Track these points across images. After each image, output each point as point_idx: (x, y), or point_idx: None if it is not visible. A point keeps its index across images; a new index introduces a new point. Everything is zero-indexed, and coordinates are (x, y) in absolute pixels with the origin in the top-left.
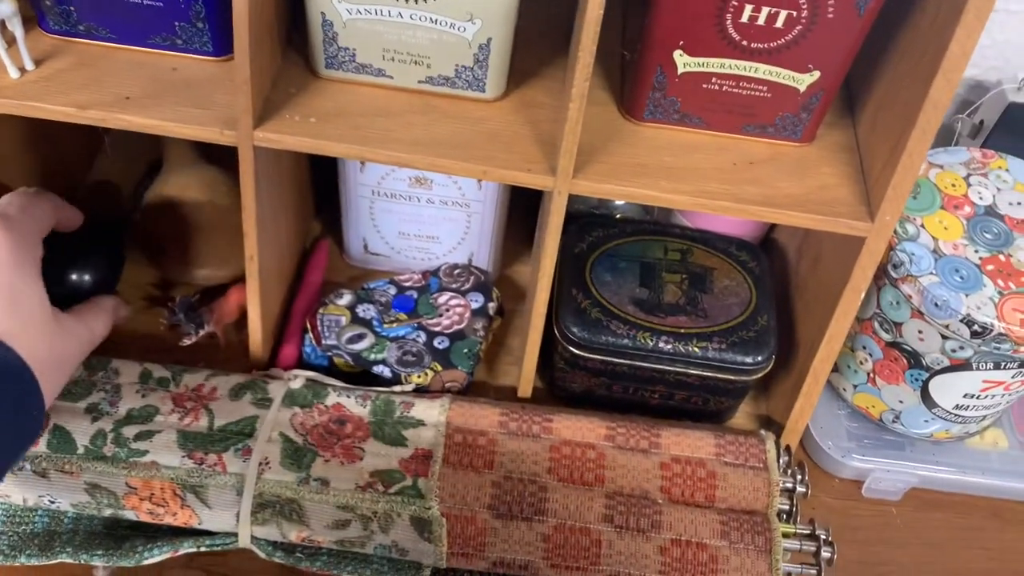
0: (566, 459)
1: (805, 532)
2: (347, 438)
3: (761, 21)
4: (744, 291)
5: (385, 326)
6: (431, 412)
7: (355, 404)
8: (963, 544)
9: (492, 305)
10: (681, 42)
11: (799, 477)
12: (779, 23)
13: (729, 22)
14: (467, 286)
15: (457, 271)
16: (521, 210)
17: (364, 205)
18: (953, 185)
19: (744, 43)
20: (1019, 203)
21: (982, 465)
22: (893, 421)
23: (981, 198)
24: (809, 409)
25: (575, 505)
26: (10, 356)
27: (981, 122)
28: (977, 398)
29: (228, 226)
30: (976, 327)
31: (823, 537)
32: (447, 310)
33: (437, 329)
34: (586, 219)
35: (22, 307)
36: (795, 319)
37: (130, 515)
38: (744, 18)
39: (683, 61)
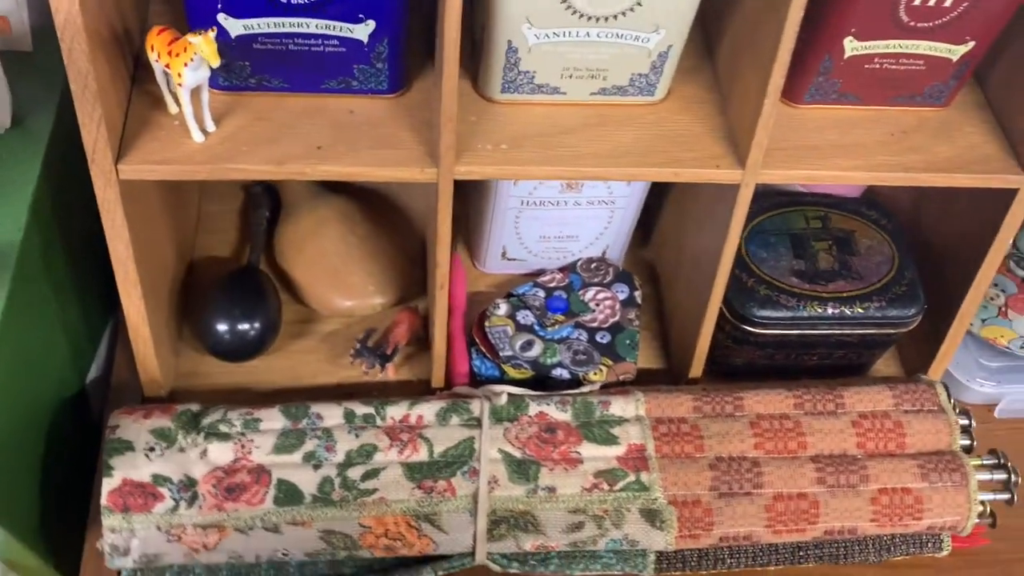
0: (768, 432)
1: (992, 463)
2: (562, 444)
3: (932, 2)
4: (886, 248)
5: (548, 329)
6: (628, 407)
7: (556, 410)
8: None
9: (638, 293)
10: (853, 29)
11: (966, 413)
12: (948, 2)
13: (903, 6)
14: (609, 278)
15: (594, 265)
16: None
17: (511, 216)
18: None
19: (912, 24)
20: None
21: None
22: (1021, 347)
23: None
24: (953, 350)
25: (788, 474)
26: None
27: None
28: None
29: (371, 254)
30: None
31: (1010, 465)
32: (597, 305)
33: (595, 325)
34: None
35: None
36: (930, 269)
37: (366, 554)
38: (917, 1)
39: (852, 46)
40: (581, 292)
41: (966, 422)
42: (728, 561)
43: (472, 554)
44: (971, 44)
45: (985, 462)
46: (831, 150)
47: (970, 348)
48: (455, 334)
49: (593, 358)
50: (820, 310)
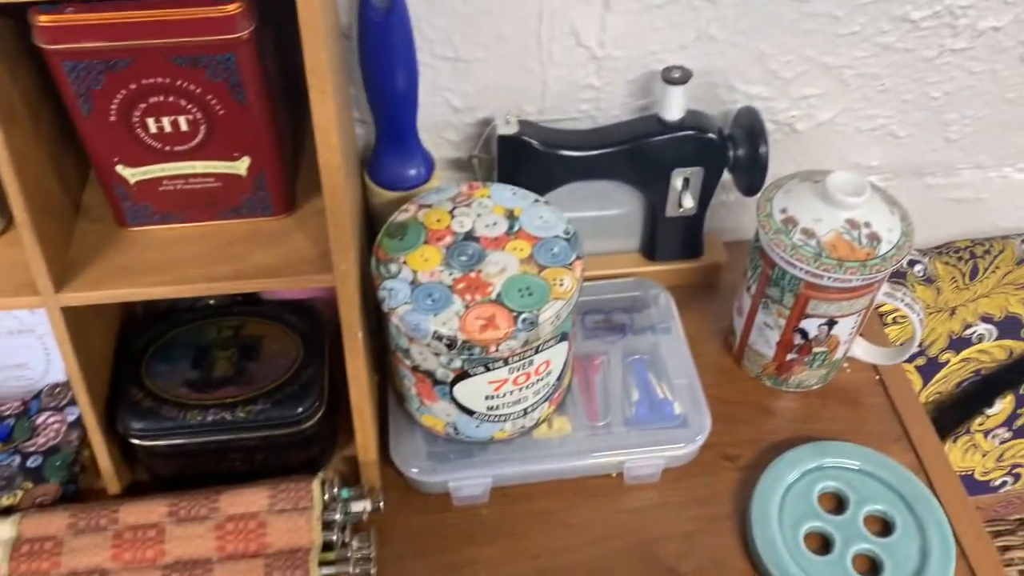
0: (127, 543)
1: (343, 557)
2: None
3: (168, 129)
4: (293, 351)
5: None
6: (3, 529)
7: None
8: (546, 527)
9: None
10: (116, 159)
11: (357, 504)
12: (184, 128)
13: (143, 135)
14: (65, 401)
15: (58, 389)
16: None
17: None
18: (438, 220)
19: (167, 148)
20: (495, 224)
21: (551, 452)
22: (456, 433)
23: (462, 226)
24: (370, 442)
25: None
26: None
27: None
28: (498, 397)
29: None
30: (446, 341)
31: (358, 556)
32: (44, 428)
33: (32, 449)
34: (142, 318)
35: None
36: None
37: None
38: (153, 130)
39: (130, 173)
40: (35, 417)
41: (336, 517)
42: None
43: None
44: (247, 159)
45: (338, 556)
46: (142, 268)
47: (420, 442)
48: None
49: (13, 483)
50: (201, 417)
